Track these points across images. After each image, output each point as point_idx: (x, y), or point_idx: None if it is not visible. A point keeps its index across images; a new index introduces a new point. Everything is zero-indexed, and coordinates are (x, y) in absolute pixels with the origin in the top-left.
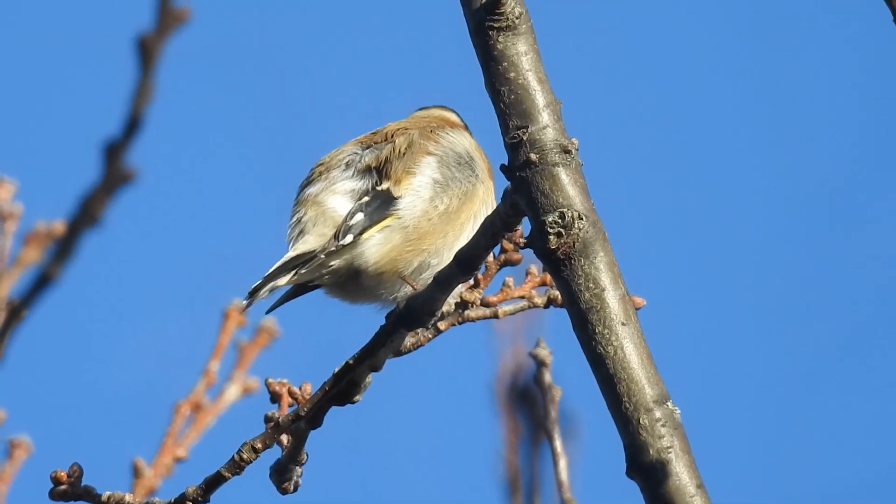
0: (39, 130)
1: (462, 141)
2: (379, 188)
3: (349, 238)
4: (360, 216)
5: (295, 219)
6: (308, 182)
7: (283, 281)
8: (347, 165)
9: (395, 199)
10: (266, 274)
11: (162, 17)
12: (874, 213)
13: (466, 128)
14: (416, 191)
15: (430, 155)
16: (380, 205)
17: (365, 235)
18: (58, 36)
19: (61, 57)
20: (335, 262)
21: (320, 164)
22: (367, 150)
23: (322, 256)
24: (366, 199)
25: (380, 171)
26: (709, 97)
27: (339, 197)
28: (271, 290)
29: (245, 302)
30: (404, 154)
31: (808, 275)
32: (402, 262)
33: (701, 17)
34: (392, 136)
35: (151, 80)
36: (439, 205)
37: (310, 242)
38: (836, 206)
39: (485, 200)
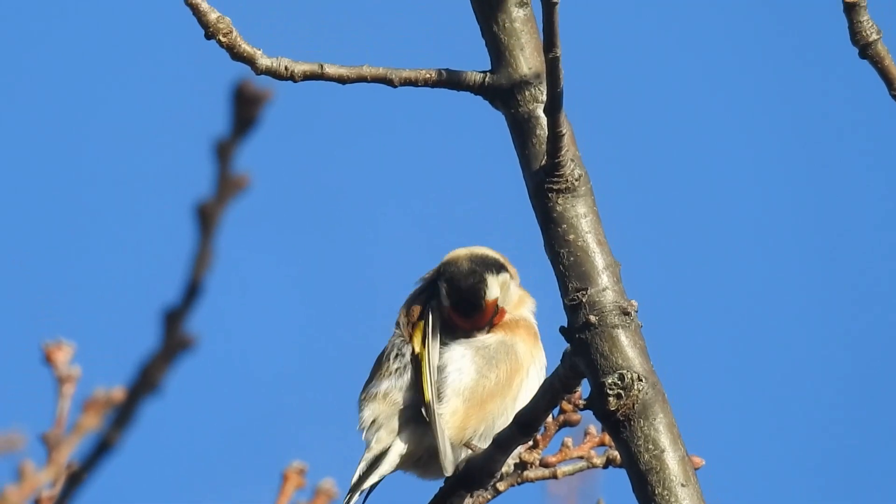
0: (99, 295)
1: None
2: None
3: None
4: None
5: (367, 414)
6: (379, 375)
7: (367, 484)
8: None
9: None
10: (352, 484)
11: (221, 184)
12: None
13: (505, 265)
14: (457, 364)
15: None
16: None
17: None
18: (117, 203)
19: (121, 224)
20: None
21: (387, 353)
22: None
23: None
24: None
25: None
26: (771, 262)
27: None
28: (361, 494)
29: None
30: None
31: (872, 427)
32: (470, 428)
33: (758, 173)
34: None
35: (211, 246)
36: (492, 374)
37: (385, 440)
38: None
39: (531, 358)
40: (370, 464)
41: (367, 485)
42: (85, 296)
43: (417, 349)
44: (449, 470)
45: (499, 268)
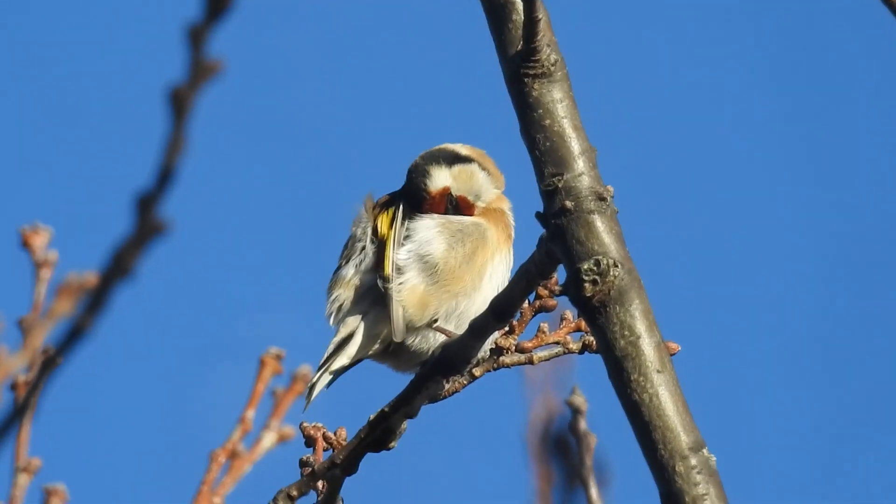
0: (75, 179)
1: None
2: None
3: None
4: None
5: (333, 299)
6: (344, 261)
7: (337, 365)
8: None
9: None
10: (320, 364)
11: (194, 68)
12: None
13: (470, 158)
14: (427, 240)
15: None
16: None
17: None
18: (93, 88)
19: (97, 108)
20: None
21: (353, 240)
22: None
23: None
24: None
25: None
26: (745, 144)
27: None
28: (333, 375)
29: (306, 399)
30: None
31: (847, 319)
32: (431, 307)
33: (739, 66)
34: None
35: (184, 132)
36: (458, 248)
37: (351, 323)
38: (878, 256)
39: (498, 245)
40: (337, 346)
41: (336, 365)
42: (60, 180)
43: (383, 231)
44: (399, 337)
45: (453, 160)
